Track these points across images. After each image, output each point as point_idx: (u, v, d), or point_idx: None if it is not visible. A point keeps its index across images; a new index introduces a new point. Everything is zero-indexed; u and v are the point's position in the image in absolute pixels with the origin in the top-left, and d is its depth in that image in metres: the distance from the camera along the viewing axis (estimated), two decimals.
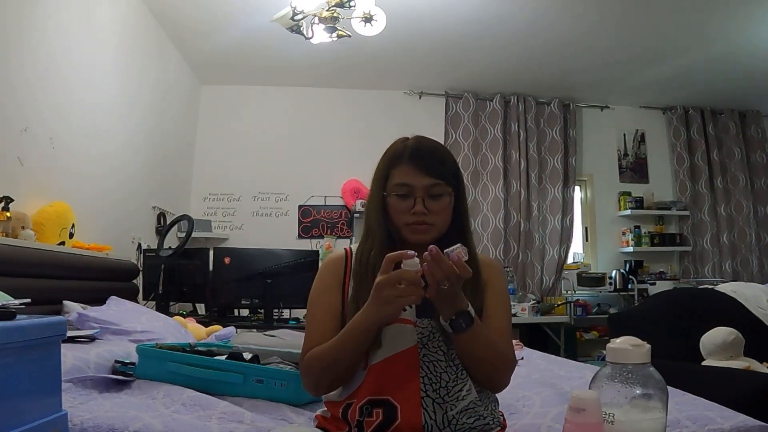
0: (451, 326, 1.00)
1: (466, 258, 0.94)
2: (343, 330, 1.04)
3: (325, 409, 1.15)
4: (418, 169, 1.10)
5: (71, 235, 2.62)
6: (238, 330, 2.91)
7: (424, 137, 1.17)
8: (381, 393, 1.03)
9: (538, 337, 4.71)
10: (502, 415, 1.15)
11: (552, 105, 5.45)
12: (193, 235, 3.60)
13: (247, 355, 1.65)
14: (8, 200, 2.17)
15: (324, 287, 1.15)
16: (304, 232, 5.22)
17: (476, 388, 1.06)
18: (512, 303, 4.29)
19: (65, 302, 2.29)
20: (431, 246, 0.93)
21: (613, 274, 5.33)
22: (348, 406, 1.06)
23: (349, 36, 3.25)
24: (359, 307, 1.01)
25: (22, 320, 0.97)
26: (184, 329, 2.57)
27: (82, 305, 2.31)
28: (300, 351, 1.13)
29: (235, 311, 3.60)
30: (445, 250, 0.94)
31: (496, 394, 1.14)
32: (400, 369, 1.04)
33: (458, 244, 0.95)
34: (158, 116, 4.13)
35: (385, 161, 1.15)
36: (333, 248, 5.04)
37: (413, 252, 0.94)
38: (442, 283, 0.94)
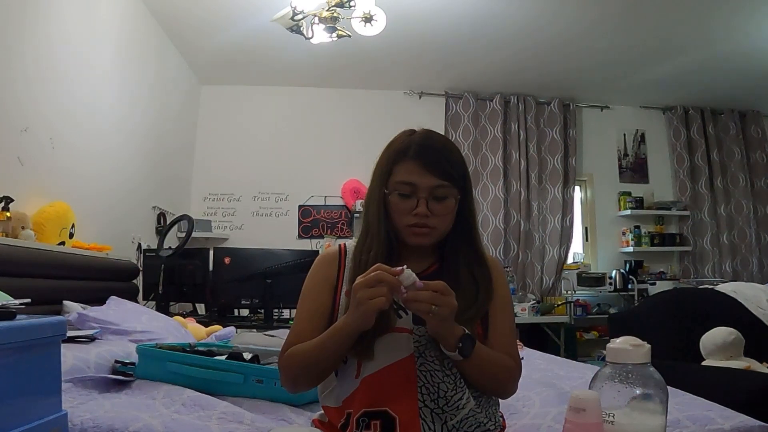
0: (460, 353, 0.96)
1: (415, 280, 0.91)
2: (326, 331, 1.00)
3: (322, 412, 1.12)
4: (424, 168, 1.03)
5: (71, 235, 2.62)
6: (238, 330, 2.91)
7: (432, 131, 1.09)
8: (378, 404, 0.98)
9: (538, 337, 4.70)
10: (502, 416, 1.13)
11: (552, 105, 5.45)
12: (193, 235, 3.60)
13: (247, 355, 1.65)
14: (8, 200, 2.18)
15: (315, 284, 1.10)
16: (304, 232, 5.21)
17: (474, 395, 1.02)
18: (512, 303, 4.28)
19: (65, 302, 2.28)
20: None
21: (613, 274, 5.33)
22: (347, 418, 1.02)
23: (349, 36, 3.25)
24: None
25: (22, 320, 0.97)
26: (184, 329, 2.57)
27: (82, 305, 2.31)
28: None
29: (235, 311, 3.60)
30: (399, 277, 0.90)
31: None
32: (396, 379, 0.99)
33: (401, 267, 0.91)
34: (158, 116, 4.13)
35: (389, 155, 1.07)
36: None
37: (401, 267, 0.91)
38: (430, 310, 0.90)
